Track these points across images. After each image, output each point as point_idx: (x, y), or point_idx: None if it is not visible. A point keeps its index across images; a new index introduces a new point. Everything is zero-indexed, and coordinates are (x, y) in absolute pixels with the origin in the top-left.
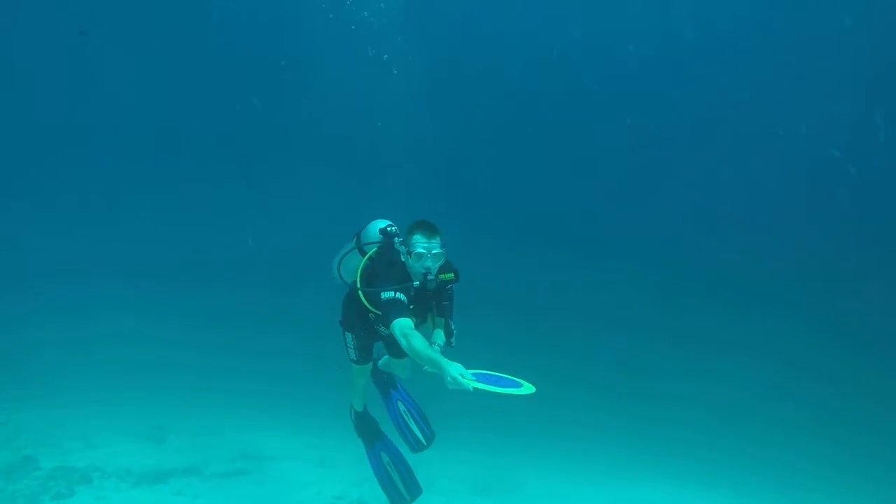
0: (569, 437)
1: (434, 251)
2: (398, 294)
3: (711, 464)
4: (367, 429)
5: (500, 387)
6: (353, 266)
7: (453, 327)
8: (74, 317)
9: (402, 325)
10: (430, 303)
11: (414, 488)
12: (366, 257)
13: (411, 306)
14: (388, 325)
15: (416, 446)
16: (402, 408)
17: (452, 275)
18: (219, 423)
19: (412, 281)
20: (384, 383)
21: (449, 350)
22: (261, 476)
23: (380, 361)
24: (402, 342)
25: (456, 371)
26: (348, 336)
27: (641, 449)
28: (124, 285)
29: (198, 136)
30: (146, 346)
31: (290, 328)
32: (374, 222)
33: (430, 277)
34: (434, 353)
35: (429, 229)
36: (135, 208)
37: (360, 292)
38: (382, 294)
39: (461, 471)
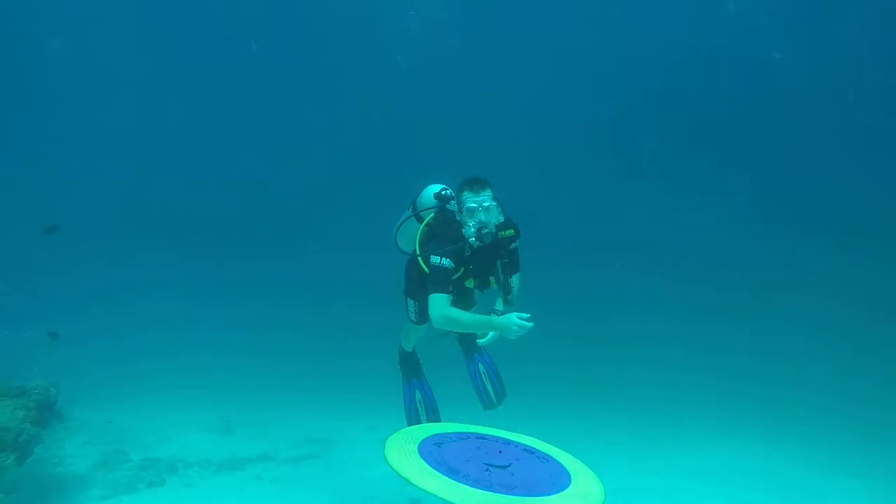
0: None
1: (485, 204)
2: (444, 260)
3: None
4: (409, 365)
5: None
6: (412, 234)
7: (513, 284)
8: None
9: (437, 302)
10: (493, 263)
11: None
12: (423, 224)
13: (471, 266)
14: (427, 294)
15: (489, 403)
16: (482, 369)
17: (512, 231)
18: (279, 414)
19: (467, 239)
20: (469, 347)
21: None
22: (330, 457)
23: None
24: (439, 319)
25: (511, 321)
26: (410, 302)
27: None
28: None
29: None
30: (204, 343)
31: (345, 298)
32: (428, 188)
33: (484, 231)
34: (481, 317)
35: (478, 184)
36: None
37: (419, 259)
38: (431, 257)
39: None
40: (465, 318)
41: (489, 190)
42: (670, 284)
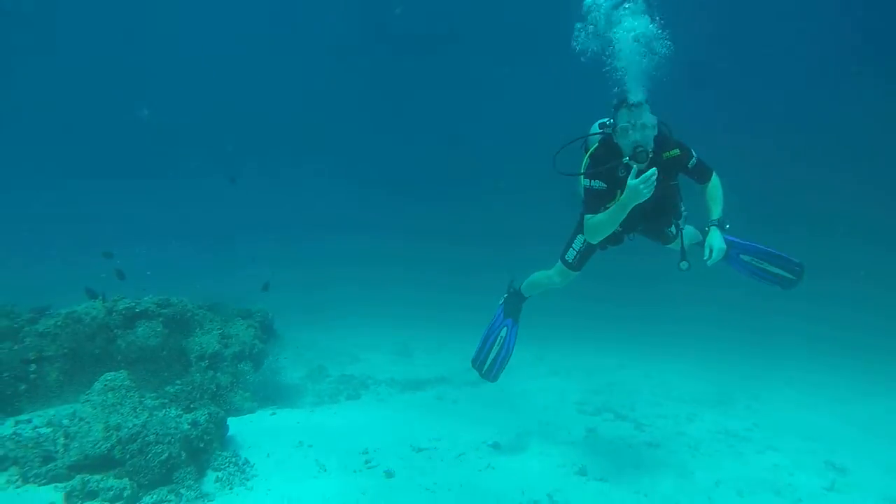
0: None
1: (640, 121)
2: (594, 182)
3: None
4: (514, 306)
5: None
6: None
7: (683, 210)
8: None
9: (587, 224)
10: (660, 185)
11: (495, 374)
12: (587, 154)
13: (620, 191)
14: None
15: (786, 284)
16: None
17: (678, 150)
18: (449, 338)
19: (621, 159)
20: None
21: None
22: (503, 383)
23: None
24: (591, 237)
25: (635, 184)
26: (578, 238)
27: None
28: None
29: None
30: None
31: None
32: (597, 122)
33: (639, 150)
34: (610, 210)
35: (635, 101)
36: None
37: (581, 185)
38: (583, 180)
39: (703, 384)
40: (604, 217)
41: (646, 106)
42: None
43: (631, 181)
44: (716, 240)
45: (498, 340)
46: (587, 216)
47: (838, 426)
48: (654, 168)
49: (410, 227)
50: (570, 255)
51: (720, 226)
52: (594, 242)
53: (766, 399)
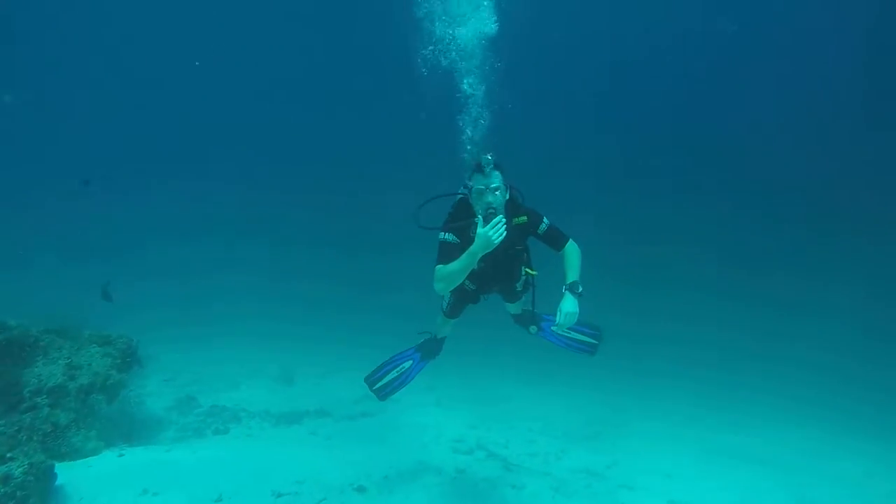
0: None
1: (492, 185)
2: (447, 235)
3: None
4: (432, 346)
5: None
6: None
7: (532, 271)
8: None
9: (436, 273)
10: (508, 248)
11: (384, 394)
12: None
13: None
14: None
15: (591, 349)
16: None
17: (525, 218)
18: (337, 366)
19: (474, 220)
20: (530, 321)
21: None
22: (384, 417)
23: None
24: (439, 285)
25: (484, 231)
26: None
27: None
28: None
29: None
30: (268, 300)
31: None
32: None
33: (489, 212)
34: (461, 258)
35: (487, 165)
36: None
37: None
38: (439, 234)
39: (574, 416)
40: (454, 265)
41: (498, 173)
42: None
43: (480, 230)
44: (566, 304)
45: (398, 369)
46: (438, 267)
47: (691, 461)
48: (500, 216)
49: (308, 234)
50: (444, 306)
51: (573, 290)
52: (443, 292)
53: (633, 433)
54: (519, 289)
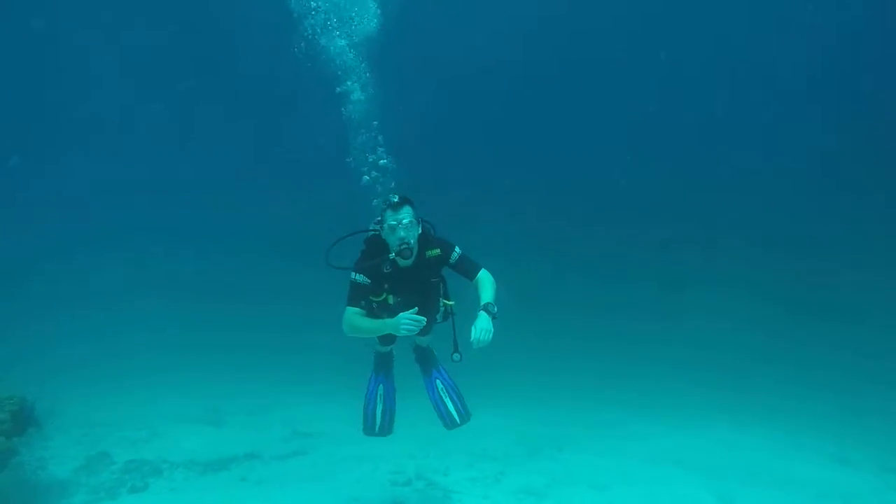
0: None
1: (404, 221)
2: (357, 276)
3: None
4: (381, 360)
5: None
6: None
7: (450, 301)
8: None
9: (345, 315)
10: (423, 281)
11: (387, 428)
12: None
13: (391, 283)
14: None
15: (451, 423)
16: (440, 386)
17: (438, 251)
18: (268, 401)
19: (387, 256)
20: (427, 364)
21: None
22: (317, 455)
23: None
24: (345, 329)
25: (399, 320)
26: None
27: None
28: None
29: None
30: (186, 331)
31: (326, 301)
32: (374, 220)
33: (402, 247)
34: (378, 321)
35: (398, 202)
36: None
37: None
38: (351, 274)
39: (512, 435)
40: (365, 324)
41: (408, 207)
42: None
43: (402, 315)
44: (481, 321)
45: (378, 398)
46: (347, 307)
47: (621, 472)
48: (422, 317)
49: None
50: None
51: (488, 310)
52: (349, 335)
53: (570, 447)
54: (438, 320)
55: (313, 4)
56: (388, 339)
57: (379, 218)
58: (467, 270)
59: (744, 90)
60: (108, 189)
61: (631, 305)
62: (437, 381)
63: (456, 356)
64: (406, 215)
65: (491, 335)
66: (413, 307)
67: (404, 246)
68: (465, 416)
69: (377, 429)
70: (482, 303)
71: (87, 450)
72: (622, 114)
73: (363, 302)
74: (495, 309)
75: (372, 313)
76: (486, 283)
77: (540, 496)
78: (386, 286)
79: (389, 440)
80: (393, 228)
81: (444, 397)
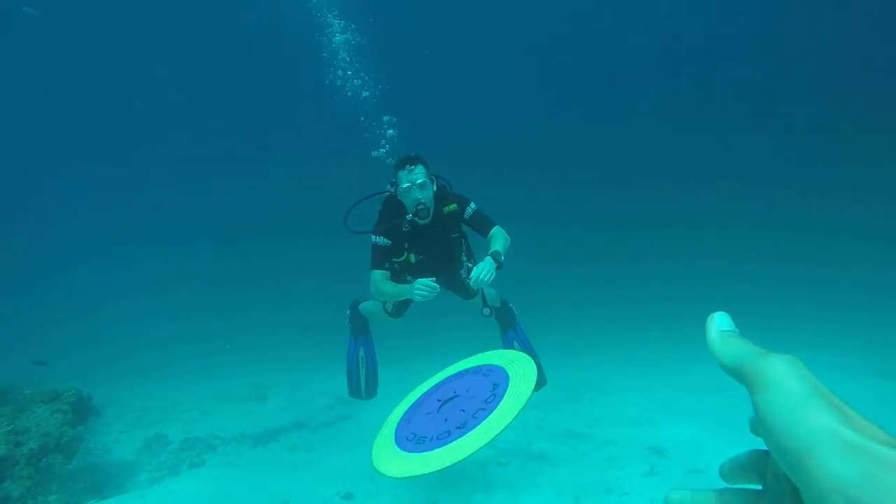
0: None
1: (418, 181)
2: (378, 238)
3: None
4: (358, 322)
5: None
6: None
7: (469, 264)
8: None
9: (371, 279)
10: (444, 237)
11: (372, 390)
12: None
13: (411, 243)
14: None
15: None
16: (516, 347)
17: (455, 206)
18: (307, 374)
19: (404, 217)
20: (503, 322)
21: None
22: (360, 418)
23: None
24: (373, 292)
25: (415, 286)
26: None
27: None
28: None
29: None
30: (219, 317)
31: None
32: (389, 182)
33: (420, 208)
34: (401, 286)
35: (410, 161)
36: None
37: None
38: (371, 237)
39: (550, 380)
40: (390, 288)
41: (421, 166)
42: None
43: (420, 281)
44: (485, 263)
45: (360, 362)
46: (373, 271)
47: (661, 404)
48: (437, 285)
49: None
50: (387, 306)
51: (494, 257)
52: (379, 300)
53: (607, 389)
54: (464, 276)
55: None
56: (403, 306)
57: (393, 180)
58: (482, 226)
59: None
60: (136, 189)
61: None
62: (515, 343)
63: (486, 311)
64: (419, 175)
65: (491, 276)
66: (435, 265)
67: (421, 206)
68: (541, 380)
69: (363, 391)
70: (490, 251)
71: (144, 432)
72: None
73: (386, 264)
74: (502, 258)
75: (395, 275)
76: (498, 237)
77: (585, 437)
78: (406, 245)
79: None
80: (408, 190)
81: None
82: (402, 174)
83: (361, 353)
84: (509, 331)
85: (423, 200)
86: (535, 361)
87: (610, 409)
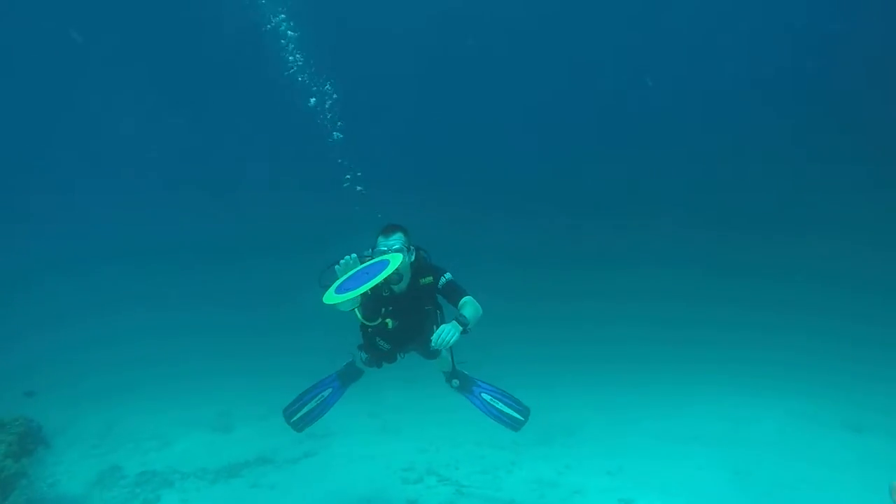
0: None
1: (394, 247)
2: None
3: None
4: (351, 372)
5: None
6: None
7: (464, 306)
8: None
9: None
10: (418, 307)
11: (303, 425)
12: None
13: (389, 308)
14: None
15: (516, 424)
16: (487, 398)
17: (431, 278)
18: (277, 404)
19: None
20: (464, 388)
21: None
22: (328, 455)
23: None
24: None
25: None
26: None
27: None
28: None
29: None
30: (195, 336)
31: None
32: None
33: (394, 276)
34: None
35: (388, 229)
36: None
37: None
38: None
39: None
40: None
41: (400, 234)
42: None
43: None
44: (448, 326)
45: (318, 398)
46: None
47: (633, 451)
48: (354, 254)
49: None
50: (362, 357)
51: (459, 320)
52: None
53: (581, 431)
54: (433, 346)
55: None
56: (376, 356)
57: (373, 244)
58: (453, 295)
59: None
60: (110, 199)
61: (635, 289)
62: (483, 395)
63: (455, 382)
64: (396, 241)
65: (453, 338)
66: (410, 333)
67: (395, 276)
68: (524, 411)
69: (293, 420)
70: (459, 315)
71: (98, 464)
72: None
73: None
74: (468, 324)
75: (368, 339)
76: (468, 305)
77: (553, 486)
78: (382, 310)
79: (399, 439)
80: (382, 255)
81: (496, 405)
82: (381, 239)
83: (326, 393)
84: (473, 388)
85: (398, 269)
86: (506, 395)
87: (581, 455)
